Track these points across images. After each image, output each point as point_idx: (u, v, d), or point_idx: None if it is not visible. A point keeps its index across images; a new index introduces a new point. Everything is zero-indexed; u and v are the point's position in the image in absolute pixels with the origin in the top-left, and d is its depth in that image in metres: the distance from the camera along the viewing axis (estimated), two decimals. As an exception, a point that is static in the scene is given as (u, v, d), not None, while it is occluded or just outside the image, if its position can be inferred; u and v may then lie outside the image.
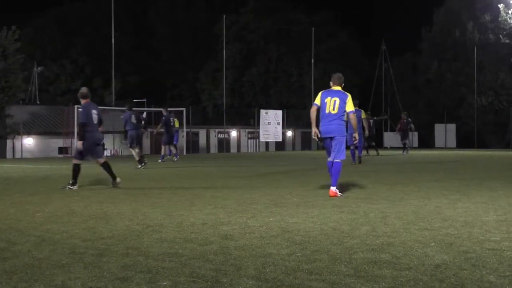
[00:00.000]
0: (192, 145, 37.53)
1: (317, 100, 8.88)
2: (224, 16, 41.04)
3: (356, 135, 9.54)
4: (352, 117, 9.02)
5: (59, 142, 34.15)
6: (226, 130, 40.45)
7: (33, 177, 13.80)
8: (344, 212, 6.86)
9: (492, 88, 41.82)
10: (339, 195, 8.55)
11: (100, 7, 46.11)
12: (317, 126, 8.96)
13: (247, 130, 43.09)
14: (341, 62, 46.88)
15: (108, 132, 32.36)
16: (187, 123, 33.84)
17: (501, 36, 42.24)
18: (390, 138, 42.79)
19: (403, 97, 45.53)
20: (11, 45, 29.41)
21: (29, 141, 34.56)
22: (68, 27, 51.64)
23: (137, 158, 16.94)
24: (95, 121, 10.41)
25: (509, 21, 42.24)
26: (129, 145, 17.15)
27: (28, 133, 34.52)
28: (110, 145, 35.49)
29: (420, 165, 17.77)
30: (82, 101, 10.47)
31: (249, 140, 43.15)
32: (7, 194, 9.53)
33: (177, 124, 21.75)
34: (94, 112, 10.40)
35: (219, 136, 41.84)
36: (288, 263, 4.24)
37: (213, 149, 41.14)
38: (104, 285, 3.72)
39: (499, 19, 42.48)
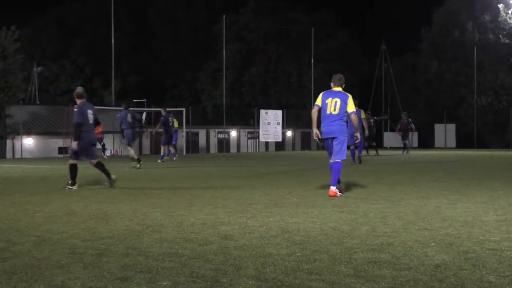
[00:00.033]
0: (192, 145, 37.51)
1: (318, 101, 8.91)
2: (224, 16, 41.04)
3: (358, 134, 9.56)
4: (354, 118, 9.07)
5: (59, 142, 34.12)
6: (226, 130, 40.44)
7: (33, 177, 13.80)
8: (344, 212, 6.86)
9: (492, 88, 41.82)
10: (338, 195, 8.56)
11: (100, 7, 46.09)
12: (318, 127, 8.97)
13: (247, 130, 43.08)
14: (341, 62, 46.86)
15: (108, 132, 32.36)
16: (187, 123, 33.83)
17: (500, 36, 42.23)
18: (390, 138, 42.80)
19: (403, 97, 45.53)
20: (11, 45, 29.38)
21: (29, 141, 34.54)
22: (68, 27, 51.62)
23: (136, 157, 16.96)
24: (91, 121, 10.37)
25: (508, 21, 42.24)
26: (127, 143, 17.18)
27: (28, 133, 34.50)
28: (110, 145, 35.46)
29: (420, 165, 17.77)
30: (78, 101, 10.44)
31: (249, 140, 43.14)
32: (7, 194, 9.53)
33: (176, 124, 21.75)
34: (90, 112, 10.37)
35: (219, 136, 41.83)
36: (288, 263, 4.24)
37: (213, 149, 41.13)
38: (104, 285, 3.72)
39: (499, 19, 42.48)
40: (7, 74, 29.12)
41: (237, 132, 42.56)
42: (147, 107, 36.13)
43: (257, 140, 40.60)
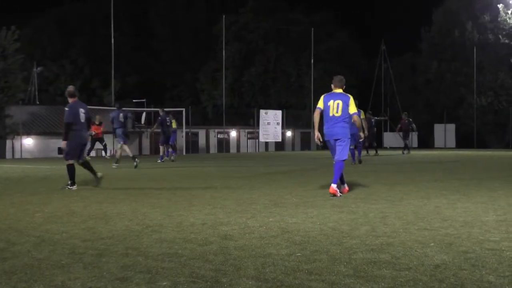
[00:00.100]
0: (192, 145, 37.52)
1: (320, 104, 8.95)
2: (224, 16, 41.04)
3: (361, 134, 9.62)
4: (356, 119, 9.16)
5: (58, 142, 33.92)
6: (226, 130, 40.43)
7: (33, 177, 13.79)
8: (344, 212, 6.87)
9: (492, 88, 41.81)
10: (338, 195, 8.56)
11: (100, 8, 46.08)
12: (320, 129, 9.01)
13: (246, 130, 43.09)
14: (341, 62, 46.88)
15: (108, 132, 32.33)
16: (187, 123, 33.83)
17: (500, 36, 42.22)
18: (390, 138, 42.81)
19: (402, 97, 45.53)
20: (11, 45, 29.39)
21: (28, 141, 34.54)
22: (68, 27, 51.62)
23: (130, 155, 17.02)
24: (83, 120, 10.32)
25: (508, 21, 42.22)
26: (122, 142, 17.23)
27: (28, 133, 34.50)
28: (110, 145, 35.44)
29: (420, 165, 17.77)
30: (70, 100, 10.39)
31: (248, 140, 43.15)
32: (7, 194, 9.53)
33: (174, 125, 21.79)
34: (82, 111, 10.32)
35: (218, 136, 41.83)
36: (288, 263, 4.24)
37: (213, 149, 41.13)
38: (104, 285, 3.72)
39: (499, 19, 42.46)
40: (7, 74, 29.13)
41: (236, 132, 42.56)
42: (146, 108, 36.13)
43: (257, 140, 40.61)
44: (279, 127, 38.01)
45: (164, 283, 3.76)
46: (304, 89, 47.55)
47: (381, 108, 45.69)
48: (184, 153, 32.03)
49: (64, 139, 10.27)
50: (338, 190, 8.66)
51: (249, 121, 44.41)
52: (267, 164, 19.29)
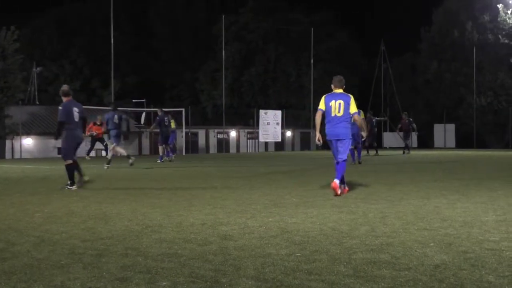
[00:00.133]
0: (192, 146, 37.51)
1: (321, 105, 8.98)
2: (223, 16, 41.03)
3: (363, 133, 9.68)
4: (357, 118, 9.23)
5: (58, 143, 33.95)
6: (225, 130, 40.43)
7: (32, 177, 13.79)
8: (344, 212, 6.86)
9: (491, 88, 41.81)
10: (339, 192, 8.58)
11: (99, 7, 46.04)
12: (321, 131, 9.04)
13: (246, 130, 43.09)
14: (340, 62, 46.86)
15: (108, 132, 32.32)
16: (186, 123, 33.82)
17: (500, 36, 42.22)
18: (390, 138, 42.82)
19: (402, 97, 45.53)
20: (10, 45, 29.38)
21: (28, 142, 34.52)
22: (68, 27, 51.60)
23: (125, 154, 17.10)
24: (77, 119, 10.31)
25: (508, 21, 42.22)
26: (114, 144, 17.26)
27: (27, 133, 34.48)
28: (110, 145, 35.45)
29: (420, 165, 17.78)
30: (64, 99, 10.39)
31: (248, 140, 43.14)
32: (7, 194, 9.52)
33: (173, 125, 21.83)
34: (75, 110, 10.31)
35: (218, 136, 41.83)
36: (288, 263, 4.24)
37: (213, 149, 41.13)
38: (104, 286, 3.72)
39: (498, 19, 42.46)
40: (7, 74, 29.12)
41: (236, 132, 42.56)
42: (146, 108, 36.12)
43: (257, 140, 40.61)
44: (279, 127, 38.02)
45: (164, 283, 3.76)
46: (304, 89, 47.54)
47: (381, 108, 45.68)
48: (183, 153, 32.02)
49: (56, 138, 10.41)
50: (339, 186, 8.67)
51: (249, 121, 44.41)
52: (266, 164, 19.29)
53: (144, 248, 4.85)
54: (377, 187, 9.96)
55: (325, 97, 9.04)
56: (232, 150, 41.05)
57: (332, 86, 9.12)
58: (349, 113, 8.91)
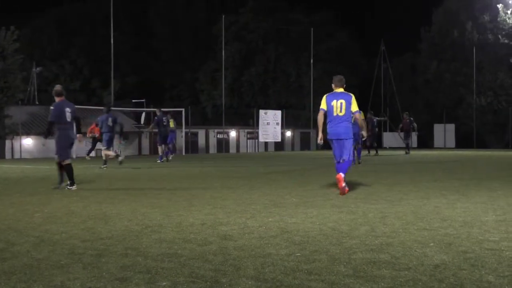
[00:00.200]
0: (191, 146, 37.50)
1: (323, 105, 9.01)
2: (223, 16, 41.03)
3: (363, 133, 9.72)
4: (358, 117, 9.25)
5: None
6: (225, 130, 40.42)
7: (32, 177, 13.78)
8: (343, 212, 6.86)
9: (491, 88, 41.81)
10: (343, 184, 8.65)
11: (99, 7, 46.05)
12: (323, 130, 9.08)
13: (246, 130, 43.07)
14: (340, 62, 46.85)
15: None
16: (186, 123, 33.82)
17: (500, 36, 42.22)
18: (390, 138, 42.82)
19: (402, 97, 45.54)
20: (10, 45, 29.37)
21: (28, 142, 34.51)
22: (68, 27, 51.59)
23: (114, 155, 17.17)
24: (69, 119, 10.32)
25: (508, 21, 42.22)
26: (105, 147, 17.27)
27: (27, 133, 34.47)
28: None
29: (419, 165, 17.78)
30: (57, 99, 10.40)
31: (248, 140, 43.13)
32: (7, 194, 9.52)
33: (172, 125, 21.87)
34: (68, 110, 10.32)
35: (218, 136, 41.81)
36: (287, 263, 4.24)
37: (212, 149, 41.12)
38: (103, 286, 3.72)
39: (498, 19, 42.46)
40: (7, 74, 29.10)
41: (236, 132, 42.55)
42: (146, 108, 36.11)
43: (257, 140, 40.59)
44: (279, 127, 38.01)
45: (164, 283, 3.76)
46: (304, 89, 47.54)
47: (381, 108, 45.68)
48: (183, 153, 32.01)
49: (45, 137, 10.56)
50: (343, 181, 8.67)
51: (249, 121, 44.39)
52: (266, 164, 19.29)
53: (144, 248, 4.85)
54: (377, 187, 9.96)
55: (326, 96, 9.06)
56: (232, 150, 41.04)
57: (333, 85, 9.15)
58: (351, 112, 8.97)
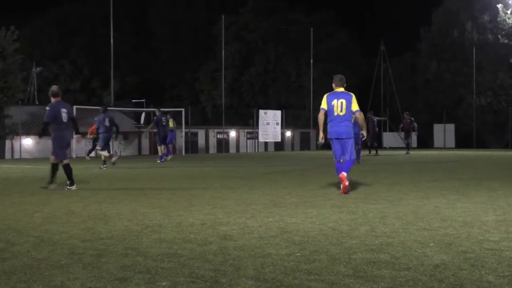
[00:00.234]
0: (191, 146, 37.50)
1: (324, 105, 9.02)
2: (223, 16, 41.02)
3: (364, 132, 9.74)
4: (359, 116, 9.26)
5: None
6: (225, 130, 40.42)
7: (32, 177, 13.78)
8: (343, 212, 6.86)
9: (491, 88, 41.81)
10: (347, 183, 8.70)
11: (99, 7, 46.06)
12: (324, 130, 9.11)
13: (246, 131, 43.07)
14: (340, 62, 46.85)
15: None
16: (186, 123, 33.81)
17: (499, 36, 42.22)
18: (389, 138, 42.82)
19: (401, 97, 45.54)
20: (10, 45, 29.36)
21: (28, 142, 34.50)
22: (67, 27, 51.61)
23: (105, 156, 17.22)
24: (65, 120, 10.36)
25: (507, 21, 42.21)
26: (100, 147, 17.28)
27: (27, 133, 34.46)
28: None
29: (419, 165, 17.78)
30: (53, 100, 10.44)
31: (248, 140, 43.12)
32: (6, 194, 9.52)
33: (171, 124, 21.91)
34: (63, 110, 10.36)
35: (218, 136, 41.81)
36: (287, 263, 4.24)
37: (212, 149, 41.11)
38: (103, 286, 3.72)
39: (498, 19, 42.46)
40: (7, 74, 29.10)
41: (236, 132, 42.55)
42: (146, 108, 36.11)
43: (256, 140, 40.59)
44: (279, 127, 38.01)
45: (164, 283, 3.76)
46: (304, 89, 47.55)
47: (381, 108, 45.68)
48: (183, 153, 32.01)
49: (40, 136, 10.74)
50: (347, 180, 8.75)
51: (249, 121, 44.38)
52: (266, 164, 19.29)
53: (144, 248, 4.85)
54: (377, 187, 9.96)
55: (327, 96, 9.07)
56: (232, 150, 41.04)
57: (333, 85, 9.17)
58: (352, 111, 8.99)
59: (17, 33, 29.60)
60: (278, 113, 38.30)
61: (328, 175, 12.62)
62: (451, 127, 41.77)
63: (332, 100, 8.97)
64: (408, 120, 27.26)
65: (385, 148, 39.64)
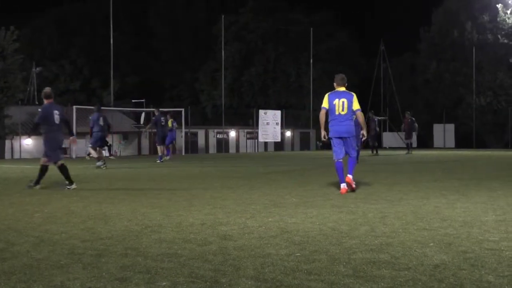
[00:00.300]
0: (191, 145, 37.50)
1: (325, 104, 9.07)
2: (223, 16, 41.03)
3: (364, 132, 9.79)
4: (360, 115, 9.32)
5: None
6: (225, 130, 40.42)
7: (32, 177, 13.74)
8: (343, 212, 6.86)
9: (491, 88, 41.82)
10: (354, 186, 8.79)
11: (99, 7, 46.08)
12: (325, 128, 9.17)
13: (246, 131, 43.07)
14: (340, 62, 46.86)
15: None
16: (186, 123, 33.82)
17: (499, 36, 42.23)
18: (389, 138, 42.81)
19: (401, 97, 45.56)
20: (10, 45, 29.36)
21: (27, 142, 34.48)
22: (67, 27, 51.63)
23: (96, 156, 17.27)
24: (57, 121, 10.41)
25: (507, 21, 42.23)
26: (91, 145, 17.31)
27: (27, 133, 34.44)
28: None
29: (419, 165, 17.78)
30: (45, 101, 10.53)
31: (248, 140, 43.13)
32: (6, 194, 9.52)
33: (170, 124, 21.91)
34: (56, 112, 10.42)
35: (218, 136, 41.81)
36: (287, 263, 4.24)
37: (212, 149, 41.12)
38: (103, 286, 3.72)
39: (498, 19, 42.47)
40: (6, 74, 29.10)
41: (236, 132, 42.55)
42: (146, 108, 36.11)
43: (256, 140, 40.59)
44: (278, 127, 38.01)
45: (164, 283, 3.76)
46: (304, 89, 47.56)
47: (381, 108, 45.70)
48: (183, 153, 32.01)
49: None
50: (353, 181, 8.96)
51: (248, 121, 44.38)
52: (266, 164, 19.29)
53: (144, 248, 4.85)
54: (377, 187, 9.96)
55: (328, 95, 9.12)
56: (232, 150, 41.05)
57: (335, 84, 9.21)
58: (353, 110, 9.05)
59: (17, 33, 29.60)
60: (278, 113, 38.30)
61: (328, 175, 12.62)
62: (451, 127, 41.78)
63: (334, 99, 9.02)
64: (409, 120, 27.25)
65: (385, 148, 39.64)
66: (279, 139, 39.20)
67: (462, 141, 41.65)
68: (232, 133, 42.32)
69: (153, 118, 21.23)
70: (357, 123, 10.28)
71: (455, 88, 43.02)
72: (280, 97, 49.76)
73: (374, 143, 25.65)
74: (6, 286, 3.74)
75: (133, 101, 41.17)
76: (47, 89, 10.75)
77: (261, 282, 3.75)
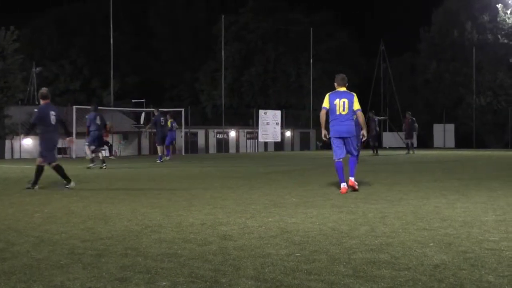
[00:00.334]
0: (191, 145, 37.48)
1: (326, 103, 9.10)
2: (223, 16, 41.02)
3: (364, 132, 9.81)
4: (360, 115, 9.36)
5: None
6: (225, 130, 40.41)
7: (32, 177, 13.75)
8: (343, 212, 6.86)
9: (491, 88, 41.81)
10: (357, 187, 8.88)
11: (99, 7, 46.07)
12: (326, 128, 9.20)
13: (246, 131, 43.05)
14: (340, 62, 46.86)
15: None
16: (186, 123, 33.81)
17: (499, 36, 42.22)
18: (389, 138, 42.81)
19: (401, 97, 45.55)
20: (10, 45, 29.34)
21: (27, 142, 34.46)
22: (67, 27, 51.62)
23: (89, 157, 17.34)
24: (53, 122, 10.45)
25: (507, 21, 42.22)
26: (87, 144, 17.35)
27: (27, 133, 34.44)
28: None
29: (419, 165, 17.78)
30: (42, 102, 10.57)
31: (248, 140, 43.10)
32: (6, 194, 9.53)
33: (169, 125, 21.91)
34: (52, 113, 10.47)
35: (218, 136, 41.79)
36: (287, 263, 4.24)
37: (212, 149, 41.10)
38: (103, 286, 3.72)
39: (498, 19, 42.46)
40: (6, 74, 29.08)
41: (236, 132, 42.53)
42: (146, 108, 36.10)
43: (256, 140, 40.58)
44: (278, 127, 38.01)
45: (164, 283, 3.76)
46: (304, 89, 47.55)
47: (381, 108, 45.69)
48: (183, 153, 32.01)
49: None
50: (356, 183, 8.93)
51: (248, 121, 44.38)
52: (266, 164, 19.29)
53: (144, 248, 4.85)
54: (377, 187, 9.96)
55: (329, 95, 9.14)
56: (232, 150, 41.03)
57: (335, 84, 9.23)
58: (353, 110, 9.09)
59: (17, 33, 29.58)
60: (278, 113, 38.29)
61: (328, 175, 12.62)
62: (450, 127, 41.77)
63: (335, 99, 9.05)
64: (410, 120, 27.24)
65: (385, 148, 39.63)
66: (279, 139, 39.19)
67: (462, 141, 41.64)
68: (232, 133, 42.30)
69: (153, 118, 21.27)
70: (357, 123, 10.30)
71: (455, 88, 43.01)
72: (280, 97, 49.75)
73: (374, 143, 25.67)
74: (6, 286, 3.74)
75: (133, 101, 41.15)
76: (44, 90, 10.79)
77: (261, 282, 3.75)
